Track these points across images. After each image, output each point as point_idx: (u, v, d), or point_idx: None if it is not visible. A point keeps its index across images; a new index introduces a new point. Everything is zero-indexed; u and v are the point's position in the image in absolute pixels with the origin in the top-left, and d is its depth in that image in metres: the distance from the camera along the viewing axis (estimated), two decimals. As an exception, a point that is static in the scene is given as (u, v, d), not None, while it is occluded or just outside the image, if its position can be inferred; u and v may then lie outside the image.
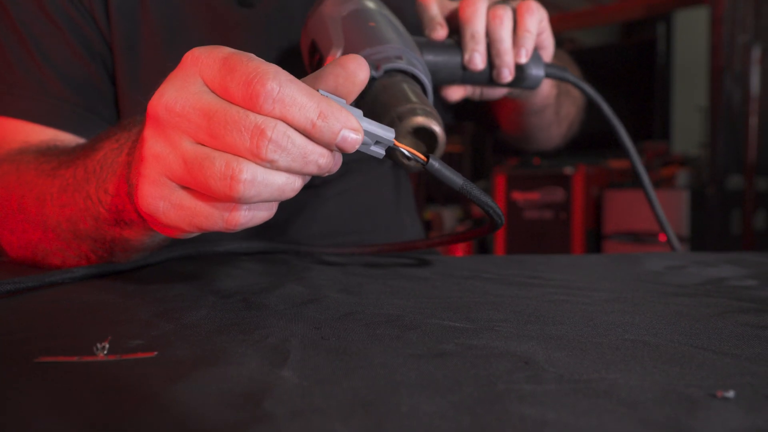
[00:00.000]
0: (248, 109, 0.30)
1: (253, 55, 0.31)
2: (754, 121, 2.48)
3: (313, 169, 0.32)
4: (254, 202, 0.32)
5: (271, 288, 0.43)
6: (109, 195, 0.41)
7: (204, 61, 0.31)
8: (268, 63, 0.31)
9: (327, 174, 0.33)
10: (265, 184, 0.31)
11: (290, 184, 0.32)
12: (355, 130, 0.31)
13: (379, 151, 0.34)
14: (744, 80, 2.51)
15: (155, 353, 0.27)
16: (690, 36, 3.43)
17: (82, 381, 0.24)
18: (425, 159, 0.35)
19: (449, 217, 3.60)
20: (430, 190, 3.75)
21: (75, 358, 0.26)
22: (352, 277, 0.48)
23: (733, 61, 2.56)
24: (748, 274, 0.50)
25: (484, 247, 3.48)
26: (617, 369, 0.25)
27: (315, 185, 0.72)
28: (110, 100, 0.63)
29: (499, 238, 3.16)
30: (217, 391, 0.22)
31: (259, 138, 0.30)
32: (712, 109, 2.61)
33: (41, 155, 0.51)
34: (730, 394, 0.22)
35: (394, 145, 0.34)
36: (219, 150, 0.31)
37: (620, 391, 0.22)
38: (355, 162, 0.74)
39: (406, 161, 0.37)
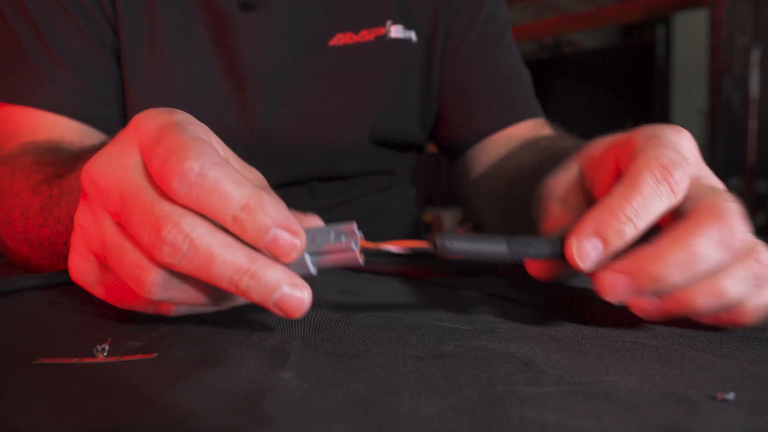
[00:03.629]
0: (166, 192, 0.26)
1: (196, 128, 0.28)
2: (753, 123, 2.48)
3: (226, 286, 0.26)
4: (177, 304, 0.29)
5: (271, 289, 0.43)
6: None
7: (144, 128, 0.28)
8: (203, 141, 0.27)
9: (281, 315, 0.27)
10: (179, 290, 0.28)
11: (214, 295, 0.28)
12: (292, 231, 0.26)
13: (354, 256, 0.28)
14: (743, 82, 2.50)
15: (155, 355, 0.27)
16: (689, 38, 3.43)
17: (82, 382, 0.24)
18: (429, 244, 0.29)
19: (449, 218, 3.60)
20: (430, 192, 3.76)
21: (75, 360, 0.26)
22: (352, 279, 0.48)
23: (732, 64, 2.56)
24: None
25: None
26: (617, 371, 0.25)
27: (317, 194, 0.71)
28: (122, 91, 0.63)
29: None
30: (217, 393, 0.22)
31: (155, 236, 0.26)
32: (712, 112, 2.61)
33: (36, 162, 0.49)
34: (730, 396, 0.22)
35: (361, 247, 0.28)
36: (133, 242, 0.27)
37: (620, 393, 0.22)
38: (360, 176, 0.73)
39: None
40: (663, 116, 3.27)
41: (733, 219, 0.28)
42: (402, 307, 0.37)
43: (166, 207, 0.26)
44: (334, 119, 0.68)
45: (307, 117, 0.67)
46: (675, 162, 0.29)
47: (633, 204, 0.28)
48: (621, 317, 0.35)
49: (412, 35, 0.70)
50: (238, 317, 0.34)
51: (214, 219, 0.26)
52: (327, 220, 0.81)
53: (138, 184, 0.27)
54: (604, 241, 0.28)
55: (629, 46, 3.54)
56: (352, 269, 0.51)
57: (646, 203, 0.28)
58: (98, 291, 0.31)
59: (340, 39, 0.67)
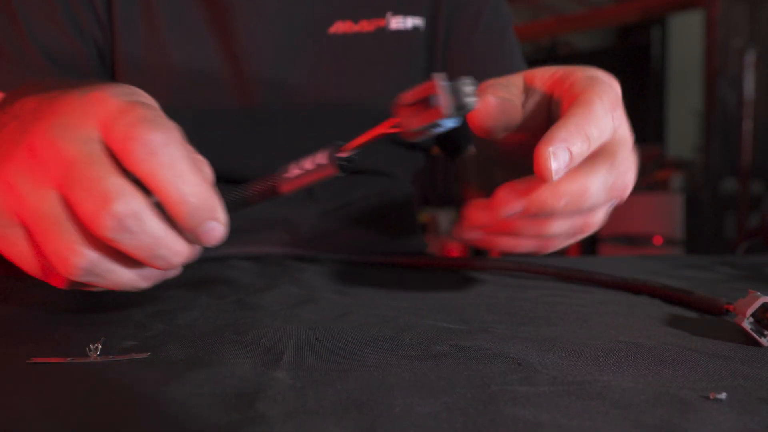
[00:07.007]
0: (121, 158, 0.27)
1: (162, 114, 0.28)
2: (748, 124, 2.49)
3: (160, 264, 0.28)
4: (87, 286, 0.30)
5: (266, 289, 0.43)
6: None
7: (109, 104, 0.28)
8: (172, 121, 0.28)
9: (171, 273, 0.30)
10: (102, 277, 0.28)
11: (134, 283, 0.30)
12: (221, 222, 0.28)
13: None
14: (738, 84, 2.52)
15: (148, 354, 0.27)
16: (685, 40, 3.44)
17: (75, 382, 0.24)
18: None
19: (445, 219, 3.60)
20: (425, 192, 3.76)
21: (67, 359, 0.26)
22: (346, 278, 0.48)
23: (727, 65, 2.57)
24: (741, 276, 0.50)
25: (479, 249, 3.48)
26: (610, 371, 0.25)
27: (315, 197, 0.71)
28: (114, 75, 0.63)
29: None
30: (211, 392, 0.22)
31: (101, 207, 0.26)
32: (707, 113, 2.62)
33: None
34: (723, 396, 0.22)
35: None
36: (70, 220, 0.27)
37: (613, 393, 0.23)
38: (360, 174, 0.72)
39: None
40: (658, 117, 3.29)
41: (620, 162, 0.35)
42: (396, 307, 0.37)
43: (118, 181, 0.26)
44: (334, 109, 0.67)
45: (306, 104, 0.66)
46: (617, 101, 0.36)
47: (593, 128, 0.32)
48: (615, 318, 0.35)
49: (414, 23, 0.69)
50: (233, 317, 0.34)
51: (158, 193, 0.27)
52: (324, 222, 0.79)
53: (92, 156, 0.27)
54: (571, 154, 0.31)
55: (625, 47, 3.55)
56: (345, 274, 0.51)
57: (602, 131, 0.33)
58: None
59: (339, 27, 0.66)
